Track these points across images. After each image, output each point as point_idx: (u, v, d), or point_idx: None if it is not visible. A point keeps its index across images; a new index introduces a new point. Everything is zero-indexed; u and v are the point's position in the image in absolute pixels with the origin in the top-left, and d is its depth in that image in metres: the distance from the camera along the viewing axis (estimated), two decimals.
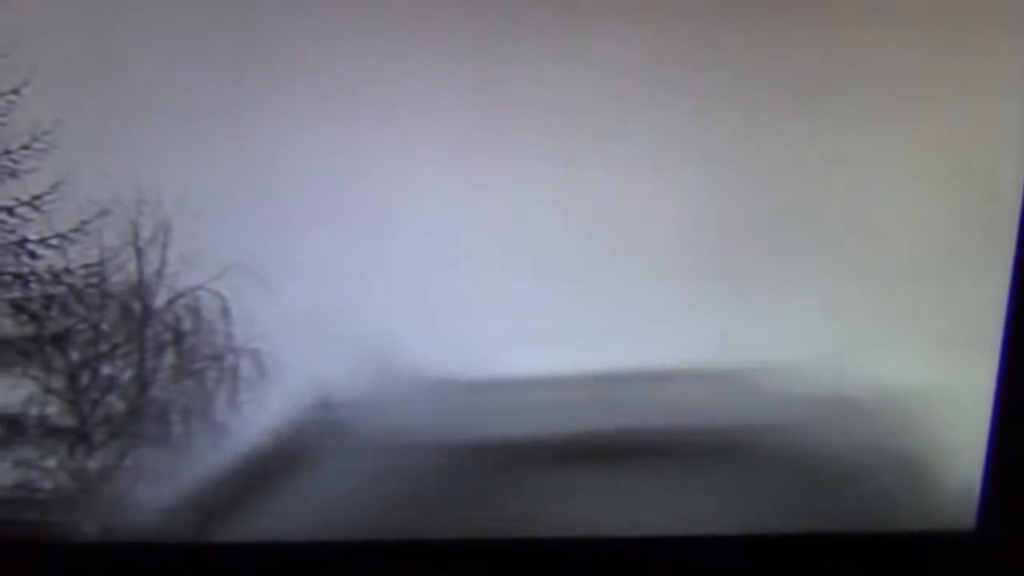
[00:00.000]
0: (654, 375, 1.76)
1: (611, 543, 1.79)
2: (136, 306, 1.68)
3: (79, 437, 1.71)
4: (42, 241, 1.65)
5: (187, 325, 1.69)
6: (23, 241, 1.65)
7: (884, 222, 1.79)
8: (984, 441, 1.86)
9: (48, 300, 1.67)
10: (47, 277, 1.67)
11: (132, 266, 1.66)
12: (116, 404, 1.71)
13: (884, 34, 1.72)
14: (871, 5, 1.74)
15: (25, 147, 1.60)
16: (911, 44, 1.72)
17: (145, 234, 1.65)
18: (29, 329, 1.68)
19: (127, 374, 1.71)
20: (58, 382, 1.70)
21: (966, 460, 1.87)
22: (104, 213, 1.63)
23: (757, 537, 1.79)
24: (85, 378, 1.70)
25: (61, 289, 1.67)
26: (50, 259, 1.66)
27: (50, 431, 1.70)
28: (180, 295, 1.67)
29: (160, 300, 1.68)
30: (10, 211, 1.64)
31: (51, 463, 1.71)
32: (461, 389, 1.75)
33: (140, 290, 1.67)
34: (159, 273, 1.66)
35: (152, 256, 1.66)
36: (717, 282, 1.77)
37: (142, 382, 1.71)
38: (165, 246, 1.65)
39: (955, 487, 1.87)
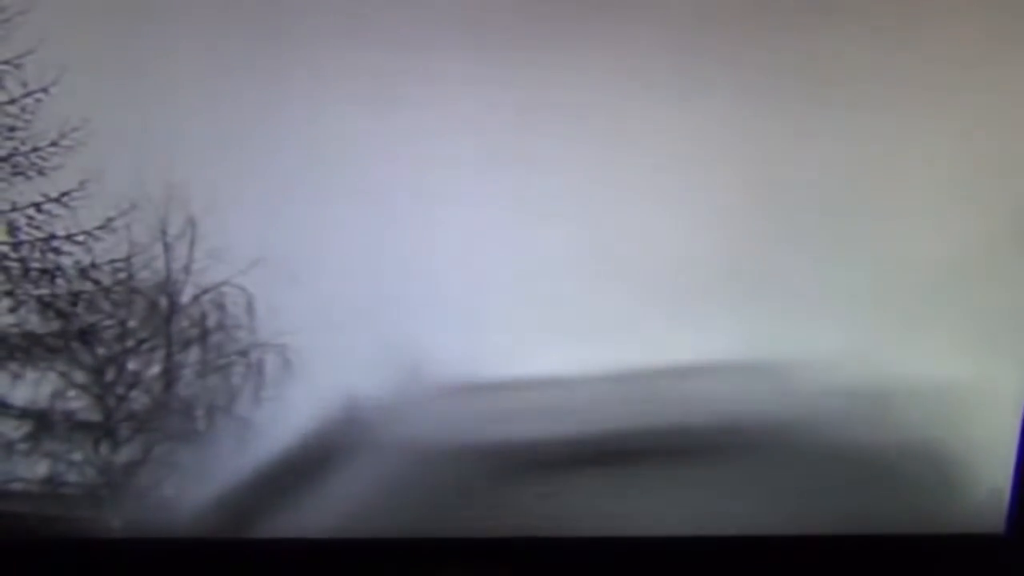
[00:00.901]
0: (684, 371, 1.75)
1: (637, 543, 1.79)
2: (162, 301, 1.68)
3: (105, 432, 1.72)
4: (69, 237, 1.65)
5: (213, 321, 1.69)
6: (50, 237, 1.65)
7: (916, 219, 1.77)
8: (1014, 443, 1.84)
9: (75, 296, 1.68)
10: (74, 273, 1.67)
11: (159, 262, 1.66)
12: (141, 399, 1.72)
13: (916, 35, 1.70)
14: (902, 6, 1.72)
15: (53, 144, 1.61)
16: (943, 45, 1.70)
17: (173, 230, 1.65)
18: (56, 325, 1.69)
19: (153, 370, 1.72)
20: (84, 377, 1.71)
21: (996, 463, 1.85)
22: (132, 209, 1.63)
23: (785, 538, 1.78)
24: (111, 374, 1.71)
25: (88, 285, 1.67)
26: (77, 255, 1.67)
27: (76, 426, 1.71)
28: (206, 291, 1.68)
29: (186, 296, 1.68)
30: (38, 208, 1.64)
31: (77, 457, 1.72)
32: (488, 389, 1.74)
33: (167, 286, 1.67)
34: (186, 269, 1.67)
35: (179, 252, 1.66)
36: (745, 277, 1.75)
37: (168, 378, 1.71)
38: (192, 242, 1.65)
39: (985, 491, 1.85)
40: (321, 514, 1.76)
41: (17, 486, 1.71)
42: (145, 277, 1.68)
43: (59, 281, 1.67)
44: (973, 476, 1.84)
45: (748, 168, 1.76)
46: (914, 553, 1.80)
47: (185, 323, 1.71)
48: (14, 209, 1.65)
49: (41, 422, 1.70)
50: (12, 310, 1.67)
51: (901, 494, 1.83)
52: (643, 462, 1.79)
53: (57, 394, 1.70)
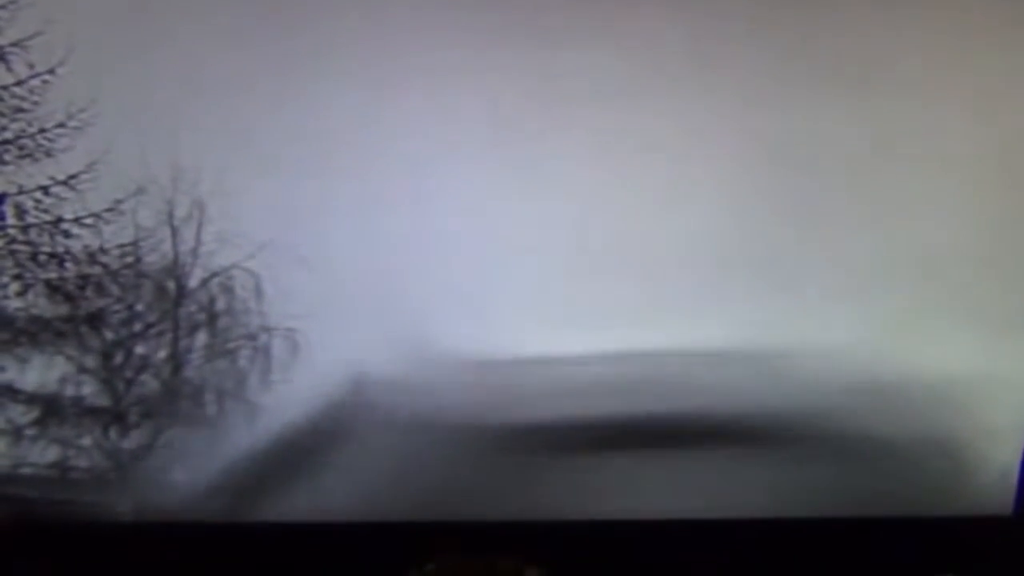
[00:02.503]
0: (692, 357, 1.74)
1: (641, 526, 1.78)
2: (170, 285, 1.68)
3: (114, 417, 1.71)
4: (77, 220, 1.65)
5: (221, 304, 1.69)
6: (58, 220, 1.65)
7: (928, 207, 1.76)
8: (1023, 427, 1.83)
9: (83, 280, 1.67)
10: (82, 257, 1.67)
11: (167, 246, 1.66)
12: (150, 384, 1.71)
13: (936, 17, 1.69)
14: None
15: (60, 125, 1.60)
16: (964, 27, 1.70)
17: (180, 213, 1.65)
18: (64, 309, 1.68)
19: (161, 354, 1.71)
20: (93, 362, 1.70)
21: (1005, 447, 1.85)
22: (139, 192, 1.63)
23: (799, 520, 1.77)
24: (119, 358, 1.70)
25: (96, 269, 1.67)
26: (85, 238, 1.66)
27: (85, 411, 1.71)
28: (214, 274, 1.67)
29: (194, 280, 1.68)
30: (45, 190, 1.64)
31: (86, 442, 1.71)
32: (496, 370, 1.73)
33: (175, 269, 1.67)
34: (194, 252, 1.66)
35: (187, 235, 1.66)
36: (756, 264, 1.75)
37: (176, 362, 1.71)
38: (200, 225, 1.65)
39: (994, 473, 1.84)
40: (331, 496, 1.76)
41: (26, 471, 1.71)
42: (153, 261, 1.68)
43: (67, 265, 1.67)
44: (983, 458, 1.84)
45: (758, 154, 1.75)
46: (926, 534, 1.79)
47: (193, 307, 1.70)
48: (21, 192, 1.64)
49: (50, 407, 1.70)
50: (20, 294, 1.66)
51: (913, 478, 1.82)
52: (650, 446, 1.79)
53: (66, 379, 1.70)
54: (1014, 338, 1.78)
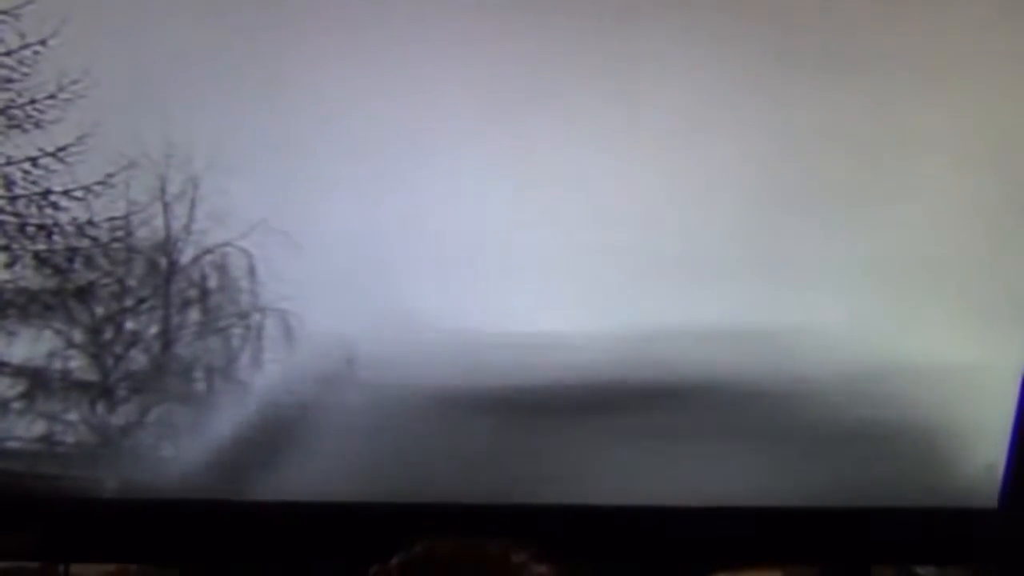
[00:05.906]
0: (682, 335, 1.74)
1: (633, 511, 1.79)
2: (162, 261, 1.66)
3: (101, 392, 1.70)
4: (66, 193, 1.62)
5: (213, 282, 1.67)
6: (47, 192, 1.62)
7: (920, 196, 1.76)
8: (1010, 420, 1.85)
9: (72, 253, 1.65)
10: (71, 229, 1.64)
11: (159, 221, 1.63)
12: (139, 360, 1.70)
13: (934, 6, 1.68)
14: None
15: (51, 97, 1.57)
16: (960, 17, 1.68)
17: (173, 189, 1.62)
18: (53, 282, 1.66)
19: (151, 330, 1.69)
20: (81, 336, 1.68)
21: (991, 439, 1.86)
22: (131, 166, 1.60)
23: (779, 510, 1.78)
24: (108, 333, 1.68)
25: (85, 242, 1.64)
26: (74, 211, 1.64)
27: (73, 385, 1.69)
28: (207, 251, 1.65)
29: (186, 256, 1.66)
30: (34, 162, 1.61)
31: (73, 417, 1.70)
32: (487, 346, 1.72)
33: (166, 245, 1.65)
34: (186, 229, 1.64)
35: (179, 211, 1.63)
36: (749, 246, 1.74)
37: (166, 338, 1.69)
38: (193, 202, 1.62)
39: (979, 465, 1.86)
40: (320, 475, 1.76)
41: (13, 445, 1.69)
42: (144, 236, 1.66)
43: (56, 237, 1.65)
44: (968, 450, 1.85)
45: (753, 140, 1.74)
46: (911, 526, 1.81)
47: (185, 284, 1.68)
48: (9, 163, 1.61)
49: (37, 380, 1.68)
50: (8, 265, 1.64)
51: (898, 468, 1.84)
52: (638, 427, 1.78)
53: (54, 352, 1.68)
54: (1005, 333, 1.79)
